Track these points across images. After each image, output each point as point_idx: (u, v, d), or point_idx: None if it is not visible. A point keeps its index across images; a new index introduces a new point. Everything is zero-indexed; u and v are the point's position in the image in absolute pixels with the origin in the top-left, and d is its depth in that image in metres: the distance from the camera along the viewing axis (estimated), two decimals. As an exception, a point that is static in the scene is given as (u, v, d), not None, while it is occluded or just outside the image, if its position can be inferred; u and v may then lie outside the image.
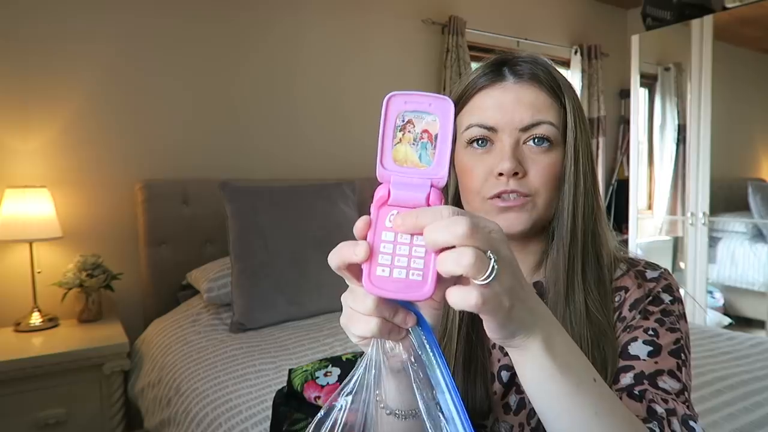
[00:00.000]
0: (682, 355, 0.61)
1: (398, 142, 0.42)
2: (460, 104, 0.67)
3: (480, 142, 0.64)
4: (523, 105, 0.63)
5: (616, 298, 0.66)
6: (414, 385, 0.44)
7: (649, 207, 3.34)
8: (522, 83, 0.64)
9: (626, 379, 0.59)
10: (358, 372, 0.46)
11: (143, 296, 2.19)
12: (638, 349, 0.60)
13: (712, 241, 2.91)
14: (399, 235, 0.40)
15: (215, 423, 1.28)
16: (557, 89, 0.64)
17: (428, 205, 0.41)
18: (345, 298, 0.44)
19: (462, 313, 0.68)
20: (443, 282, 0.42)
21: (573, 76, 3.61)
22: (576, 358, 0.46)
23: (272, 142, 2.52)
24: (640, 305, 0.64)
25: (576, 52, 3.62)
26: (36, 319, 1.92)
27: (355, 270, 0.41)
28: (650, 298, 0.65)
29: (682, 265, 3.08)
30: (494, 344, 0.70)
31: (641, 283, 0.66)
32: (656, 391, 0.57)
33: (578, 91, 3.51)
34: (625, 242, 3.24)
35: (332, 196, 2.19)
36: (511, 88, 0.64)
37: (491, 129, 0.63)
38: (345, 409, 0.45)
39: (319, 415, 0.45)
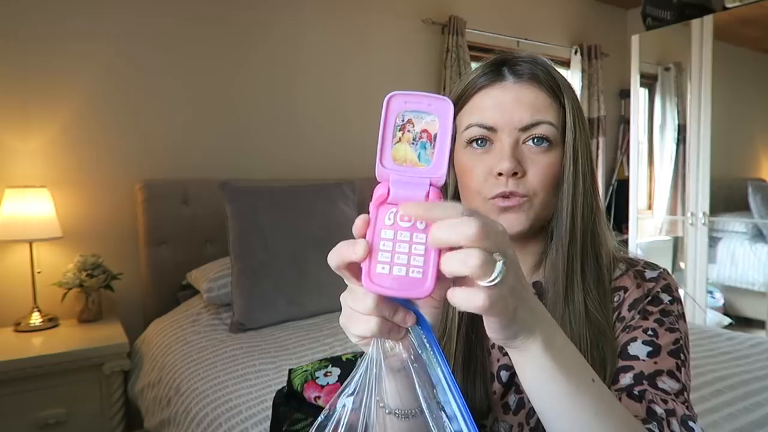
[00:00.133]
0: (682, 355, 0.61)
1: (398, 142, 0.42)
2: (459, 104, 0.67)
3: (479, 141, 0.64)
4: (523, 105, 0.63)
5: (615, 298, 0.66)
6: (415, 384, 0.44)
7: (649, 207, 3.34)
8: (521, 83, 0.64)
9: (626, 379, 0.59)
10: (359, 372, 0.46)
11: (143, 296, 2.19)
12: (637, 349, 0.60)
13: (712, 241, 2.91)
14: (398, 232, 0.40)
15: (215, 423, 1.28)
16: (557, 89, 0.64)
17: None
18: (344, 298, 0.44)
19: (462, 312, 0.68)
20: (443, 280, 0.42)
21: (573, 76, 3.61)
22: (575, 359, 0.46)
23: (272, 142, 2.52)
24: (640, 305, 0.64)
25: (576, 52, 3.62)
26: (36, 319, 1.92)
27: (355, 269, 0.41)
28: (649, 298, 0.65)
29: (682, 265, 3.08)
30: (494, 344, 0.70)
31: (640, 283, 0.66)
32: (656, 391, 0.57)
33: (578, 91, 3.52)
34: (625, 242, 3.24)
35: (332, 196, 2.19)
36: (510, 87, 0.64)
37: (491, 129, 0.63)
38: (347, 410, 0.45)
39: (320, 418, 0.45)
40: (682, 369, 0.60)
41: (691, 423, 0.55)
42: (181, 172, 2.28)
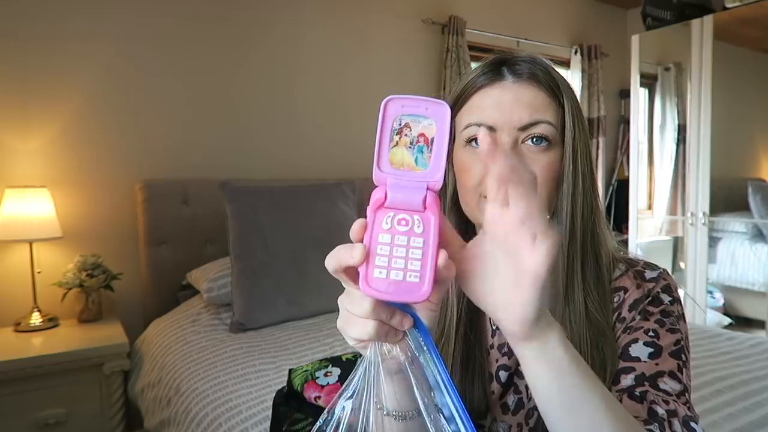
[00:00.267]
0: (683, 356, 0.61)
1: (395, 146, 0.42)
2: (458, 103, 0.67)
3: (478, 141, 0.64)
4: (522, 104, 0.63)
5: (615, 299, 0.66)
6: (413, 386, 0.44)
7: (649, 207, 3.34)
8: (521, 83, 0.64)
9: (627, 380, 0.59)
10: (357, 375, 0.46)
11: (143, 296, 2.19)
12: (639, 350, 0.60)
13: (712, 241, 2.90)
14: (396, 236, 0.40)
15: (215, 423, 1.28)
16: (556, 89, 0.64)
17: (425, 207, 0.41)
18: (342, 301, 0.44)
19: (460, 313, 0.68)
20: (440, 284, 0.42)
21: (573, 76, 3.61)
22: (579, 354, 0.47)
23: (272, 142, 2.52)
24: (640, 306, 0.64)
25: (576, 52, 3.62)
26: (36, 319, 1.92)
27: (352, 273, 0.41)
28: (650, 298, 0.64)
29: (682, 265, 3.08)
30: (492, 344, 0.70)
31: (640, 283, 0.66)
32: (657, 392, 0.57)
33: (578, 91, 3.53)
34: (625, 242, 3.24)
35: (332, 196, 2.19)
36: (510, 87, 0.64)
37: (490, 128, 0.63)
38: (346, 413, 0.45)
39: (319, 422, 0.45)
40: (684, 370, 0.60)
41: (692, 424, 0.55)
42: (181, 172, 2.28)
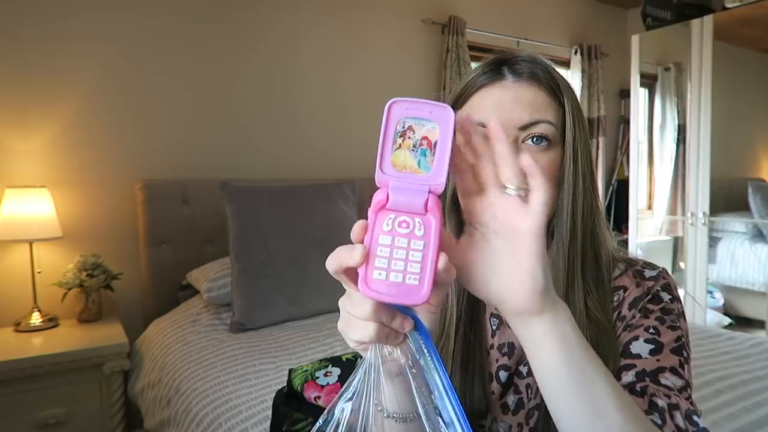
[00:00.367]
0: (684, 352, 0.61)
1: (398, 148, 0.42)
2: (458, 103, 0.67)
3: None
4: (522, 104, 0.63)
5: (615, 298, 0.66)
6: (413, 389, 0.44)
7: (649, 207, 3.34)
8: (521, 82, 0.64)
9: (628, 377, 0.59)
10: (357, 377, 0.46)
11: (143, 296, 2.19)
12: (640, 347, 0.60)
13: (712, 241, 2.90)
14: (396, 238, 0.40)
15: (215, 423, 1.28)
16: (556, 89, 0.64)
17: (426, 210, 0.41)
18: (342, 303, 0.44)
19: (459, 313, 0.68)
20: (440, 287, 0.42)
21: (573, 76, 3.61)
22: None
23: (272, 142, 2.52)
24: (640, 303, 0.64)
25: (576, 52, 3.62)
26: (36, 319, 1.92)
27: (353, 274, 0.41)
28: (649, 296, 0.64)
29: (682, 265, 3.08)
30: (492, 344, 0.70)
31: (640, 282, 0.66)
32: (658, 387, 0.57)
33: (578, 91, 3.53)
34: (625, 242, 3.24)
35: (332, 196, 2.19)
36: (510, 87, 0.64)
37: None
38: (345, 414, 0.45)
39: (318, 423, 0.45)
40: (685, 366, 0.60)
41: (695, 417, 0.54)
42: (181, 172, 2.28)
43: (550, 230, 0.66)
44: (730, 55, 2.90)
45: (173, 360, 1.68)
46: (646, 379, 0.58)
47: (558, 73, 0.66)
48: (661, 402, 0.55)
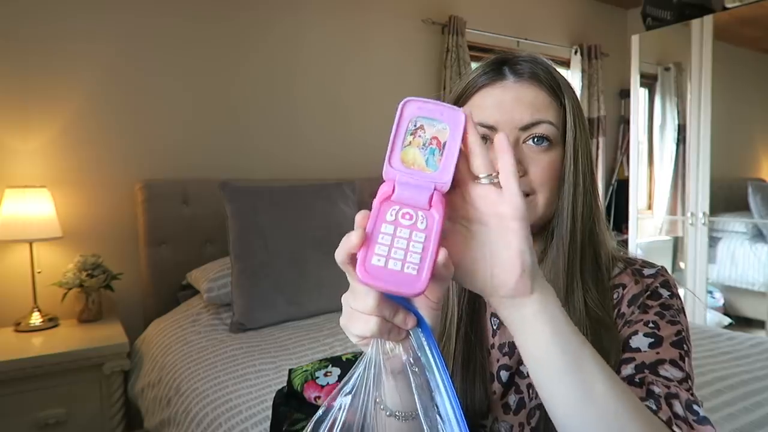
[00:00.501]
0: (684, 346, 0.60)
1: (408, 145, 0.43)
2: (459, 103, 0.67)
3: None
4: (523, 104, 0.63)
5: (614, 296, 0.66)
6: (413, 386, 0.44)
7: (649, 207, 3.34)
8: (522, 82, 0.64)
9: (627, 370, 0.59)
10: (357, 371, 0.46)
11: (143, 296, 2.19)
12: (639, 341, 0.60)
13: (712, 241, 2.91)
14: (398, 229, 0.41)
15: (215, 423, 1.28)
16: (557, 89, 0.64)
17: (430, 206, 0.41)
18: (345, 298, 0.44)
19: (461, 312, 0.69)
20: (440, 281, 0.42)
21: (573, 76, 3.61)
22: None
23: (272, 142, 2.52)
24: (639, 300, 0.64)
25: (576, 52, 3.62)
26: (36, 319, 1.92)
27: None
28: (648, 292, 0.65)
29: (682, 265, 3.08)
30: (493, 344, 0.70)
31: (638, 279, 0.66)
32: (657, 378, 0.56)
33: (578, 91, 3.52)
34: (625, 242, 3.24)
35: (332, 196, 2.19)
36: (511, 87, 0.64)
37: (491, 128, 0.63)
38: (344, 408, 0.45)
39: (317, 414, 0.45)
40: (686, 359, 0.59)
41: (695, 407, 0.54)
42: (181, 172, 2.28)
43: (550, 230, 0.67)
44: (730, 55, 2.90)
45: (173, 360, 1.67)
46: (646, 371, 0.57)
47: (559, 73, 0.66)
48: (659, 389, 0.54)
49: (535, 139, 0.63)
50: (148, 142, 2.23)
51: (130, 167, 2.18)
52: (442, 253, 0.40)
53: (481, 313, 0.71)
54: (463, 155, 0.44)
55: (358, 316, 0.43)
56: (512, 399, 0.67)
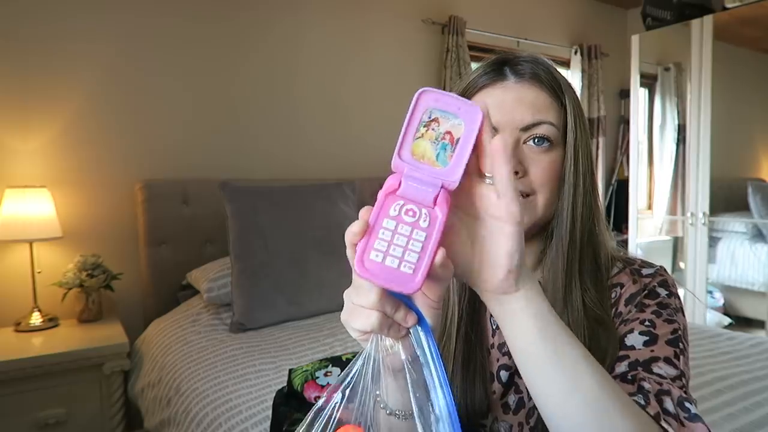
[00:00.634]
0: (680, 344, 0.60)
1: (420, 137, 0.42)
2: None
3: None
4: (524, 104, 0.63)
5: (612, 295, 0.66)
6: (411, 384, 0.44)
7: (649, 207, 3.34)
8: (523, 83, 0.64)
9: (621, 367, 0.59)
10: (355, 366, 0.46)
11: (143, 296, 2.19)
12: (634, 339, 0.60)
13: (712, 241, 2.91)
14: (400, 225, 0.40)
15: (215, 423, 1.28)
16: (558, 89, 0.64)
17: (434, 204, 0.41)
18: (348, 294, 0.44)
19: (461, 312, 0.69)
20: (437, 281, 0.42)
21: (573, 76, 3.61)
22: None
23: (272, 142, 2.52)
24: (636, 299, 0.64)
25: (576, 52, 3.62)
26: (36, 319, 1.92)
27: None
28: (646, 291, 0.65)
29: (682, 265, 3.08)
30: (493, 344, 0.70)
31: (637, 279, 0.66)
32: (650, 375, 0.56)
33: (578, 91, 3.52)
34: (625, 242, 3.24)
35: (332, 196, 2.19)
36: (512, 87, 0.64)
37: (492, 128, 0.63)
38: (340, 402, 0.45)
39: (315, 407, 0.45)
40: (681, 357, 0.59)
41: (687, 404, 0.54)
42: (181, 172, 2.28)
43: (549, 230, 0.67)
44: (730, 55, 2.90)
45: (173, 360, 1.67)
46: (639, 368, 0.58)
47: (560, 73, 0.66)
48: (649, 386, 0.55)
49: (536, 140, 0.63)
50: (148, 142, 2.23)
51: (130, 167, 2.18)
52: (440, 254, 0.40)
53: (481, 313, 0.71)
54: (473, 151, 0.44)
55: (359, 311, 0.43)
56: (512, 399, 0.67)
